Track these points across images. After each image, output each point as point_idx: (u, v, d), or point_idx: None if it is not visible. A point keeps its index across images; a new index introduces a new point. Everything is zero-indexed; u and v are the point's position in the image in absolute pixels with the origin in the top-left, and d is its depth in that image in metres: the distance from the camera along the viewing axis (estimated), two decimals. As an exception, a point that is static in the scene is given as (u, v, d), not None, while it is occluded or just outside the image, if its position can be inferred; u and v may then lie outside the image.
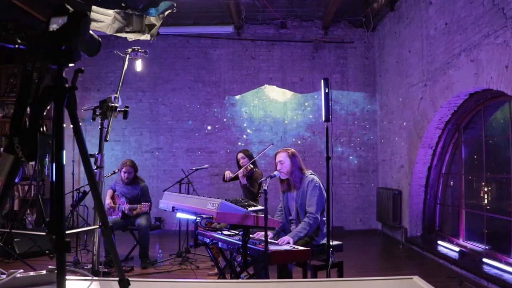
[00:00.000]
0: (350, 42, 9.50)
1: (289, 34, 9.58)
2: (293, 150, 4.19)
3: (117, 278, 1.65)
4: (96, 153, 2.26)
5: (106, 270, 5.35)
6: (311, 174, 4.13)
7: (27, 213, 8.94)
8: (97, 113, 2.38)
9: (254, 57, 9.60)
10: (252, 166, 5.67)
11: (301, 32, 9.50)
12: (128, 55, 2.97)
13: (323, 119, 3.73)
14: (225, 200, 3.27)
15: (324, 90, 3.57)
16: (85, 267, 5.51)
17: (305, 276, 4.27)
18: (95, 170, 2.22)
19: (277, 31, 9.60)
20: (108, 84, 9.65)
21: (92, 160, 2.28)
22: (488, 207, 5.84)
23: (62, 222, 1.25)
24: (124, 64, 2.74)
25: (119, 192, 6.25)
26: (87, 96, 9.64)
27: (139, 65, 3.82)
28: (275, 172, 3.97)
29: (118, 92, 2.46)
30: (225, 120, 9.50)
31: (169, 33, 9.42)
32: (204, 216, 3.24)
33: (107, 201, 6.24)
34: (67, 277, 2.09)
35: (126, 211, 5.99)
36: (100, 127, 2.35)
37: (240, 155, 5.94)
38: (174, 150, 9.56)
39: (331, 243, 3.87)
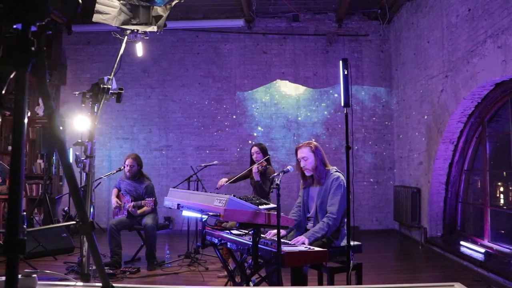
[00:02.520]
0: (365, 35, 9.17)
1: (301, 27, 9.28)
2: (315, 143, 3.89)
3: (101, 284, 1.39)
4: (86, 140, 1.99)
5: (111, 271, 5.12)
6: (337, 171, 3.83)
7: (35, 212, 8.76)
8: (87, 96, 2.12)
9: (266, 52, 9.31)
10: (265, 163, 5.37)
11: (314, 25, 9.19)
12: (126, 37, 2.70)
13: (342, 104, 3.39)
14: (234, 196, 2.98)
15: (343, 71, 3.25)
16: (90, 268, 5.25)
17: (320, 279, 3.97)
18: (85, 160, 1.95)
19: (289, 24, 9.30)
20: (117, 81, 9.30)
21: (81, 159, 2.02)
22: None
23: (16, 216, 0.97)
24: (121, 46, 2.46)
25: (123, 190, 6.00)
26: (95, 93, 9.42)
27: (139, 49, 3.55)
28: (289, 167, 3.66)
29: (112, 73, 2.19)
30: (236, 116, 9.23)
31: (178, 27, 9.19)
32: (210, 213, 2.95)
33: (113, 200, 6.00)
34: (46, 282, 1.84)
35: (130, 210, 5.73)
36: (90, 112, 2.08)
37: (254, 149, 5.59)
38: (183, 147, 9.31)
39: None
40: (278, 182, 3.10)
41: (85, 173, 2.05)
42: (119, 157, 9.09)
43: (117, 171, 6.11)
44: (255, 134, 9.13)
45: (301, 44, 9.26)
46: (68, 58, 9.54)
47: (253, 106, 9.21)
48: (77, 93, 2.16)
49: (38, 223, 8.33)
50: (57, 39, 9.47)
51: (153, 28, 6.06)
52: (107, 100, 2.16)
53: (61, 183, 9.12)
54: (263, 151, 5.56)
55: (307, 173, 3.84)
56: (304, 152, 3.83)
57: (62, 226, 6.48)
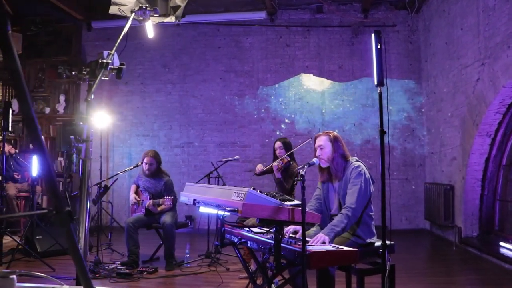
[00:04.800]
0: (392, 25, 8.76)
1: (326, 18, 8.93)
2: (335, 133, 3.54)
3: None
4: (81, 123, 1.74)
5: (127, 271, 4.91)
6: (357, 161, 3.48)
7: (56, 210, 8.66)
8: (84, 71, 1.87)
9: (289, 45, 9.00)
10: (289, 158, 5.06)
11: (338, 16, 8.83)
12: (133, 14, 2.45)
13: (376, 83, 3.04)
14: (254, 189, 2.68)
15: (376, 46, 2.91)
16: (106, 267, 5.06)
17: (349, 282, 3.64)
18: (80, 145, 1.70)
19: (313, 16, 8.96)
20: (136, 77, 9.27)
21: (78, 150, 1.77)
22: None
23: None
24: (127, 22, 2.21)
25: (142, 187, 5.78)
26: (115, 89, 9.29)
27: (150, 30, 3.30)
28: (314, 159, 3.34)
29: (114, 49, 1.93)
30: (258, 112, 8.94)
31: (199, 21, 8.97)
32: (227, 209, 2.67)
33: (131, 196, 5.80)
34: (28, 284, 1.59)
35: (149, 208, 5.51)
36: (87, 90, 1.83)
37: (278, 144, 5.26)
38: (205, 144, 9.08)
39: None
40: (303, 173, 2.79)
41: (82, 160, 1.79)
42: (139, 154, 8.89)
43: (134, 167, 5.90)
44: (278, 130, 8.83)
45: (325, 36, 8.92)
46: (88, 54, 9.42)
47: (276, 101, 8.91)
48: (75, 72, 1.90)
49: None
50: (77, 35, 9.37)
51: (171, 19, 5.84)
52: (106, 77, 1.91)
53: (81, 181, 8.98)
54: (286, 146, 5.23)
55: (323, 164, 3.49)
56: (321, 140, 3.48)
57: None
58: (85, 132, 1.72)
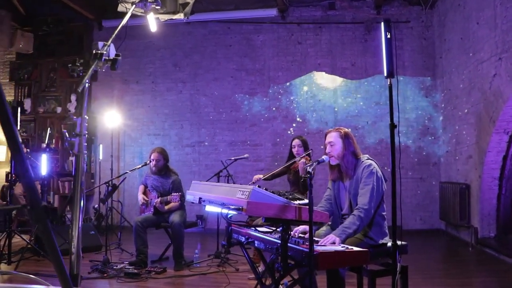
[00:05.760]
0: (405, 21, 8.59)
1: (338, 15, 8.79)
2: (346, 129, 3.41)
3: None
4: (75, 117, 1.66)
5: (135, 271, 4.85)
6: (368, 158, 3.35)
7: (67, 210, 8.66)
8: (78, 63, 1.79)
9: (301, 42, 8.88)
10: (309, 158, 4.95)
11: (351, 13, 8.69)
12: (133, 5, 2.37)
13: (385, 74, 2.91)
14: (259, 187, 2.58)
15: (385, 35, 2.78)
16: (114, 267, 5.01)
17: (360, 284, 3.52)
18: (73, 139, 1.62)
19: (325, 13, 8.83)
20: (147, 76, 9.24)
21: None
22: None
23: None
24: (127, 12, 2.13)
25: (150, 186, 5.73)
26: (126, 88, 9.28)
27: (152, 23, 3.21)
28: (324, 157, 3.24)
29: (110, 40, 1.85)
30: (269, 110, 8.84)
31: (209, 19, 8.90)
32: (232, 207, 2.57)
33: (140, 196, 5.74)
34: (10, 285, 1.52)
35: (157, 206, 5.44)
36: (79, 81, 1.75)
37: (296, 141, 5.10)
38: (216, 143, 9.00)
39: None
40: (310, 170, 2.68)
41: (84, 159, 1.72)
42: (150, 153, 8.88)
43: (142, 166, 5.85)
44: (290, 128, 8.72)
45: (337, 33, 8.78)
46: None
47: (287, 99, 8.80)
48: (70, 64, 1.83)
49: (70, 220, 8.20)
50: (88, 35, 9.36)
51: (180, 16, 5.78)
52: (99, 68, 1.83)
53: (92, 180, 8.99)
54: (305, 144, 5.11)
55: (333, 162, 3.37)
56: (332, 137, 3.37)
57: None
58: (78, 126, 1.64)
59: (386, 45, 2.81)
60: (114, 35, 1.93)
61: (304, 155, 4.91)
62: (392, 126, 2.82)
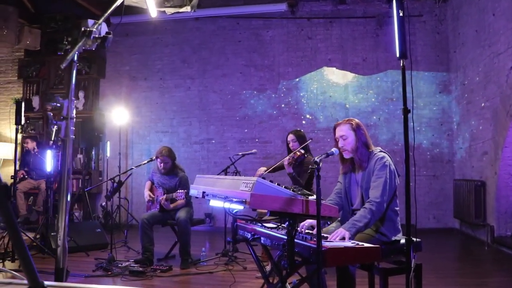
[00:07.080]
0: (418, 15, 8.39)
1: (349, 10, 8.62)
2: (357, 120, 3.25)
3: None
4: (61, 98, 1.54)
5: (141, 269, 4.74)
6: (381, 151, 3.19)
7: (75, 208, 8.61)
8: (65, 42, 1.67)
9: (311, 37, 8.72)
10: (302, 152, 4.79)
11: (362, 7, 8.51)
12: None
13: (398, 55, 2.74)
14: (263, 178, 2.44)
15: (398, 13, 2.62)
16: (120, 265, 4.90)
17: (372, 282, 3.36)
18: (60, 122, 1.50)
19: (335, 7, 8.66)
20: (156, 72, 9.15)
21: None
22: None
23: None
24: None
25: (156, 183, 5.62)
26: (134, 85, 9.20)
27: (151, 7, 3.08)
28: (333, 149, 3.08)
29: (102, 18, 1.72)
30: (279, 107, 8.70)
31: (218, 14, 8.79)
32: (234, 200, 2.44)
33: (146, 193, 5.64)
34: None
35: (162, 203, 5.32)
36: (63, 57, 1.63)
37: (290, 136, 5.05)
38: (225, 140, 8.88)
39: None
40: (318, 160, 2.53)
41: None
42: (158, 150, 8.79)
43: (148, 162, 5.74)
44: (300, 125, 8.56)
45: (348, 28, 8.61)
46: (107, 50, 9.34)
47: (297, 95, 8.65)
48: (60, 45, 1.71)
49: (78, 218, 8.16)
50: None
51: (186, 9, 5.67)
52: (88, 46, 1.70)
53: (100, 178, 8.92)
54: (300, 138, 4.99)
55: (346, 155, 3.22)
56: (343, 130, 3.20)
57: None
58: (65, 108, 1.51)
59: (399, 24, 2.65)
60: (107, 13, 1.80)
61: (296, 150, 4.78)
62: (406, 111, 2.65)
